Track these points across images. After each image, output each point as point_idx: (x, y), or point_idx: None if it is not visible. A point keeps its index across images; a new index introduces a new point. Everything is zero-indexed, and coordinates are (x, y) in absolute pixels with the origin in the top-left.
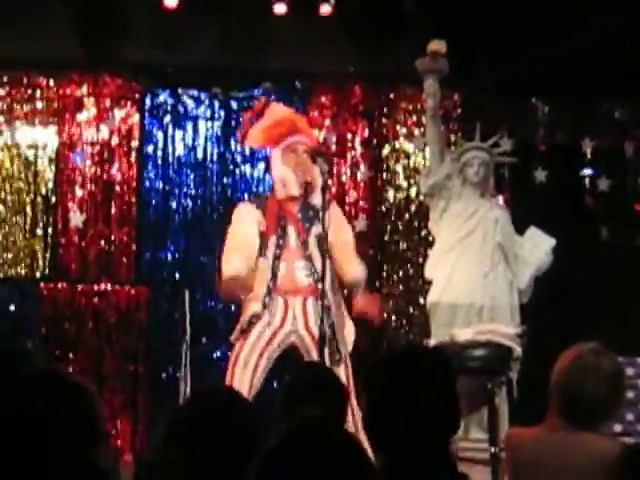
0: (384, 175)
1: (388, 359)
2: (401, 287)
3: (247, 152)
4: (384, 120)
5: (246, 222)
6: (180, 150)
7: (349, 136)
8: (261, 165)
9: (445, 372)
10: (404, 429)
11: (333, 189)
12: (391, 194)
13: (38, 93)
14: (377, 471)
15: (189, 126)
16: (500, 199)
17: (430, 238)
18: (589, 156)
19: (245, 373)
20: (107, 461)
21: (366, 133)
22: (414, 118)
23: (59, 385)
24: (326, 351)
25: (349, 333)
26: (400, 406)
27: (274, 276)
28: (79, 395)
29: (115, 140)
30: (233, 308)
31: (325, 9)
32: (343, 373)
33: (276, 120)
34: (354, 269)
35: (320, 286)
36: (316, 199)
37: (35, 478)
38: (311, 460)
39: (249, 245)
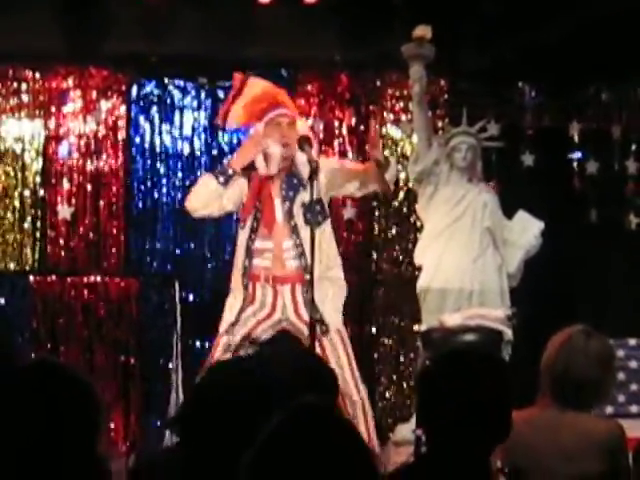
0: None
1: (443, 361)
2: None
3: (234, 141)
4: (371, 107)
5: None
6: (167, 141)
7: (336, 123)
8: None
9: (499, 379)
10: (450, 430)
11: None
12: None
13: (24, 86)
14: (374, 457)
15: (176, 116)
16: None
17: (419, 224)
18: (577, 139)
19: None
20: (104, 455)
21: (353, 120)
22: (401, 104)
23: (60, 376)
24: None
25: (336, 299)
26: (449, 408)
27: (249, 252)
28: (80, 386)
29: (102, 132)
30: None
31: None
32: (329, 344)
33: (256, 96)
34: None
35: (308, 263)
36: (300, 169)
37: (39, 470)
38: (309, 446)
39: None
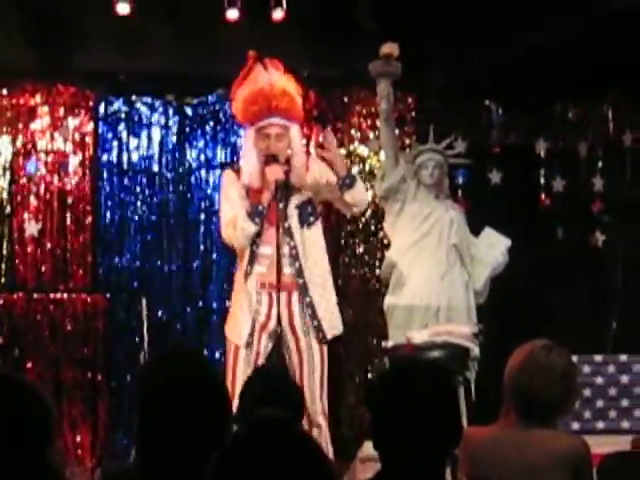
0: None
1: (389, 374)
2: (358, 290)
3: (202, 159)
4: (338, 124)
5: (235, 184)
6: (135, 157)
7: (304, 141)
8: (217, 171)
9: (446, 387)
10: (402, 442)
11: None
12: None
13: None
14: (335, 471)
15: (143, 133)
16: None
17: (386, 241)
18: (543, 157)
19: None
20: (57, 462)
21: (321, 137)
22: (368, 122)
23: (10, 385)
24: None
25: (336, 314)
26: (400, 420)
27: (253, 257)
28: (31, 396)
29: (69, 148)
30: (188, 313)
31: (277, 14)
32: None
33: (252, 93)
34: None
35: (301, 274)
36: (293, 177)
37: None
38: (269, 459)
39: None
